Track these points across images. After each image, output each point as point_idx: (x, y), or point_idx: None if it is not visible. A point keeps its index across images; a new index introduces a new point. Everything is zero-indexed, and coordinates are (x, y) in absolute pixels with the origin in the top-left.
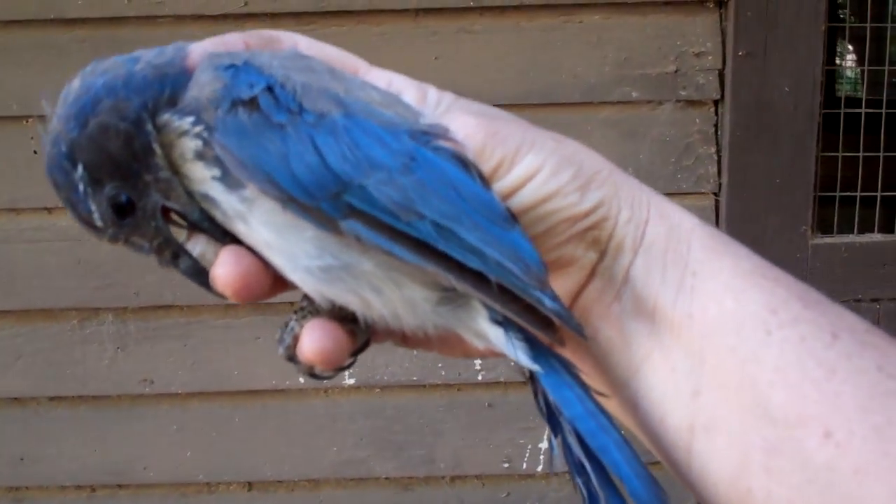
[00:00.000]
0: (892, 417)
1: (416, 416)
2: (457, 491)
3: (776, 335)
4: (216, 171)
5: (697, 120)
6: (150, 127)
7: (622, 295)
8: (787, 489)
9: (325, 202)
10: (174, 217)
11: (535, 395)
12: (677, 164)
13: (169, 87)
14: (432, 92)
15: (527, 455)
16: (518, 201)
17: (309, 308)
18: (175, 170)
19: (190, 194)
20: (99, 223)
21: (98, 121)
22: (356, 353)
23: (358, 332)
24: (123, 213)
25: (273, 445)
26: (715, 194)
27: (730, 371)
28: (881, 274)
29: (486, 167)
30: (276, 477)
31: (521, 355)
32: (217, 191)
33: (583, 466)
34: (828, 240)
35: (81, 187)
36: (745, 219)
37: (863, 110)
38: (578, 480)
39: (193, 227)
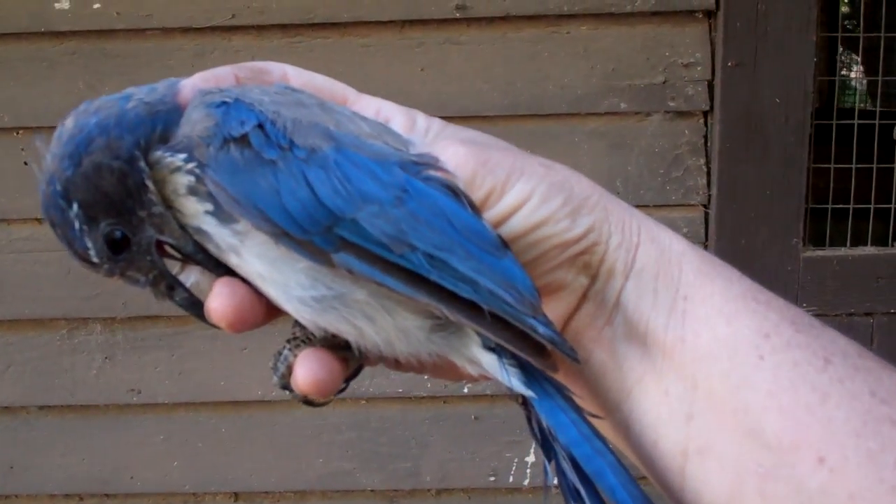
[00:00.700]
0: (885, 443)
1: (402, 429)
2: (442, 503)
3: (769, 360)
4: (209, 206)
5: (686, 131)
6: (143, 164)
7: (614, 319)
8: None
9: (318, 236)
10: (169, 250)
11: (529, 420)
12: (666, 176)
13: (161, 124)
14: (420, 118)
15: (513, 469)
16: (509, 228)
17: (302, 336)
18: (168, 205)
19: (183, 228)
20: (95, 259)
21: (92, 159)
22: (349, 378)
23: (351, 358)
24: (119, 249)
25: (259, 456)
26: (704, 206)
27: (723, 396)
28: (875, 288)
29: (476, 196)
30: (263, 488)
31: (514, 381)
32: (210, 225)
33: (578, 491)
34: (819, 253)
35: (77, 225)
36: (735, 231)
37: (855, 122)
38: None
39: (188, 260)
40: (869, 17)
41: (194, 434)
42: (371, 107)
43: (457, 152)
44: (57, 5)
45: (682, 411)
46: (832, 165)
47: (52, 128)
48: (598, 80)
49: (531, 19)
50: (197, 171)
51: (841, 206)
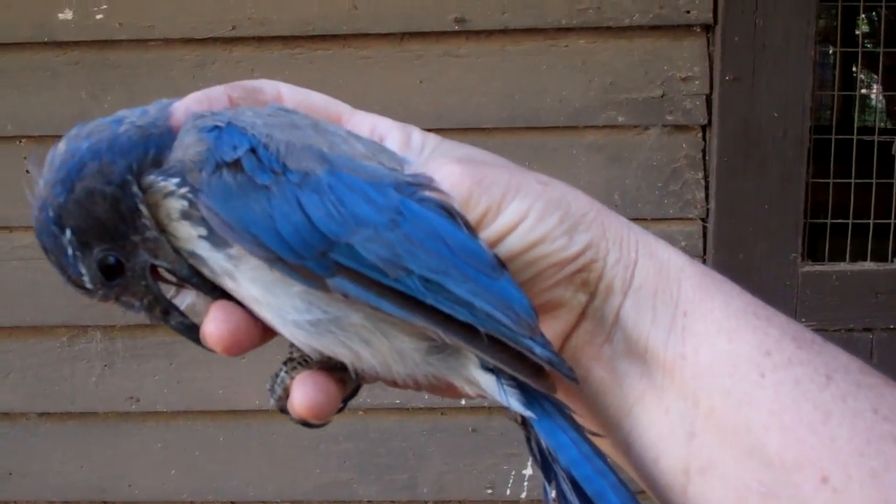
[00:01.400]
0: (889, 462)
1: (399, 440)
2: None
3: (770, 377)
4: (202, 230)
5: (684, 145)
6: (135, 188)
7: (613, 336)
8: None
9: (312, 261)
10: (163, 274)
11: (528, 441)
12: (664, 190)
13: (153, 147)
14: (416, 135)
15: (510, 481)
16: (506, 248)
17: (299, 358)
18: (162, 229)
19: (178, 252)
20: (89, 285)
21: (84, 185)
22: (347, 399)
23: (348, 379)
24: (113, 274)
25: (257, 466)
26: (702, 220)
27: (724, 414)
28: (874, 303)
29: (472, 215)
30: (260, 497)
31: (513, 401)
32: (204, 249)
33: None
34: (818, 267)
35: (70, 251)
36: (733, 245)
37: (854, 137)
38: None
39: (183, 283)
40: (889, 35)
41: (192, 442)
42: (366, 123)
43: (452, 171)
44: (60, 16)
45: (683, 429)
46: (831, 180)
47: (55, 137)
48: (597, 93)
49: (530, 32)
50: (190, 195)
51: (840, 220)
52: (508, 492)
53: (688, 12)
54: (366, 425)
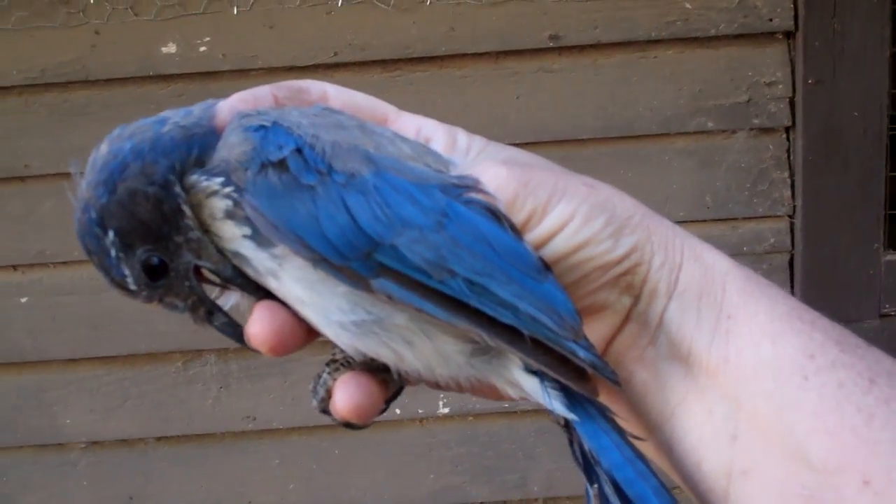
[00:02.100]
0: None
1: (508, 442)
2: None
3: (814, 381)
4: (246, 230)
5: (770, 146)
6: (178, 189)
7: (657, 339)
8: None
9: (357, 262)
10: (207, 274)
11: (571, 444)
12: (753, 190)
13: (197, 147)
14: (462, 137)
15: None
16: (551, 250)
17: (341, 360)
18: (205, 229)
19: (221, 252)
20: (133, 287)
21: (126, 186)
22: (389, 400)
23: (390, 380)
24: (156, 275)
25: (372, 475)
26: (790, 216)
27: (767, 417)
28: None
29: (517, 218)
30: None
31: (556, 404)
32: (248, 249)
33: None
34: None
35: (113, 252)
36: (820, 239)
37: None
38: None
39: (226, 284)
40: None
41: (308, 457)
42: (412, 125)
43: (498, 174)
44: (164, 49)
45: (726, 432)
46: None
47: None
48: (686, 101)
49: (620, 46)
50: (234, 195)
51: None
52: None
53: (770, 20)
54: (475, 430)
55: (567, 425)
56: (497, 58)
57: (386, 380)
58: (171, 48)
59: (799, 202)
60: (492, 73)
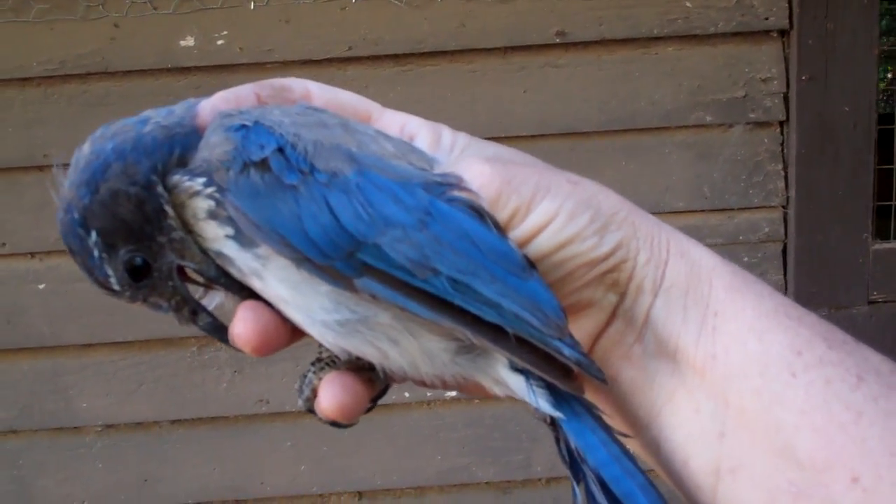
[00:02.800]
0: None
1: (513, 424)
2: (552, 492)
3: (801, 378)
4: (229, 230)
5: (766, 140)
6: (160, 189)
7: (644, 336)
8: None
9: (340, 261)
10: (191, 274)
11: (557, 441)
12: (748, 181)
13: (179, 147)
14: (446, 134)
15: None
16: (535, 248)
17: (327, 359)
18: (188, 229)
19: (204, 252)
20: (116, 287)
21: (108, 186)
22: (375, 399)
23: (376, 379)
24: (140, 276)
25: (381, 456)
26: (783, 207)
27: (755, 414)
28: None
29: (501, 215)
30: (385, 485)
31: (542, 402)
32: (231, 249)
33: None
34: (886, 245)
35: (97, 253)
36: (812, 228)
37: None
38: None
39: (211, 284)
40: None
41: (319, 439)
42: (396, 122)
43: (482, 171)
44: (182, 43)
45: (713, 429)
46: (895, 166)
47: None
48: (686, 95)
49: (624, 42)
50: (217, 195)
51: None
52: None
53: (766, 19)
54: (482, 413)
55: (553, 423)
56: (505, 53)
57: (371, 378)
58: (189, 41)
59: (792, 193)
60: (500, 67)
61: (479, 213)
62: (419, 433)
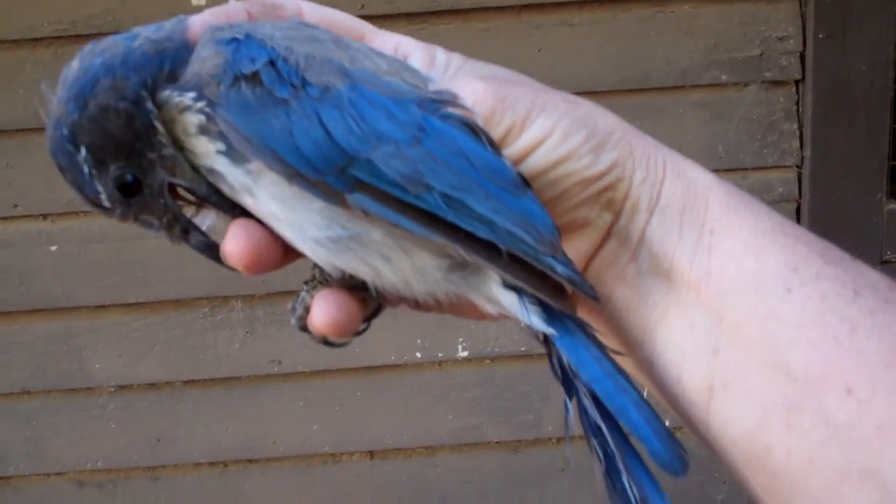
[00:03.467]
0: None
1: (524, 384)
2: (562, 451)
3: (797, 292)
4: (220, 146)
5: (781, 99)
6: (150, 104)
7: (638, 255)
8: (807, 446)
9: (332, 176)
10: (182, 193)
11: (550, 358)
12: (763, 141)
13: (168, 62)
14: (440, 54)
15: None
16: (530, 166)
17: (319, 278)
18: (179, 146)
19: (195, 169)
20: (107, 204)
21: (97, 102)
22: (369, 318)
23: (369, 298)
24: (130, 192)
25: (393, 416)
26: (798, 167)
27: (749, 329)
28: None
29: (496, 133)
30: (397, 445)
31: (534, 319)
32: (222, 165)
33: (599, 428)
34: None
35: (86, 169)
36: (826, 188)
37: None
38: (594, 442)
39: (202, 202)
40: None
41: (332, 399)
42: (390, 43)
43: (476, 88)
44: (194, 2)
45: (707, 345)
46: None
47: None
48: (701, 54)
49: (639, 0)
50: (207, 110)
51: None
52: None
53: None
54: (493, 373)
55: (546, 340)
56: (519, 12)
57: (365, 298)
58: (200, 0)
59: (807, 153)
60: (514, 26)
61: (473, 129)
62: (430, 393)
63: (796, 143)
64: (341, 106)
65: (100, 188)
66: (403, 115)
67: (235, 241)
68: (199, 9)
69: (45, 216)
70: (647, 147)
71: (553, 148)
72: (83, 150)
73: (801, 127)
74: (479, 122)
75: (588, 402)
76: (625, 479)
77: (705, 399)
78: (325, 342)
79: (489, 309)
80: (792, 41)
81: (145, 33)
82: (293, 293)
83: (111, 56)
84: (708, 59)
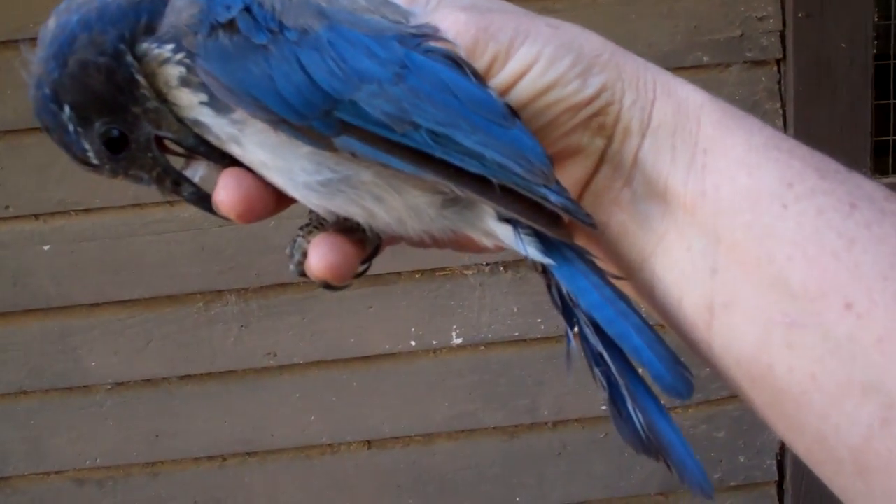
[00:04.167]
0: None
1: (518, 369)
2: (559, 434)
3: (793, 208)
4: (203, 97)
5: (763, 79)
6: (129, 58)
7: (633, 179)
8: (808, 362)
9: (317, 120)
10: (170, 145)
11: (549, 288)
12: None
13: (145, 15)
14: None
15: None
16: (517, 95)
17: (315, 222)
18: (163, 98)
19: (181, 121)
20: (95, 161)
21: (77, 58)
22: (368, 259)
23: (366, 239)
24: (117, 148)
25: (390, 405)
26: None
27: (747, 247)
28: None
29: (480, 64)
30: (395, 434)
31: (531, 250)
32: (207, 115)
33: (601, 356)
34: (885, 180)
35: (71, 127)
36: None
37: None
38: (597, 371)
39: (191, 154)
40: None
41: (328, 389)
42: None
43: (457, 20)
44: None
45: (705, 266)
46: (892, 101)
47: None
48: (683, 36)
49: None
50: (187, 61)
51: None
52: None
53: None
54: (487, 359)
55: (544, 271)
56: None
57: (362, 239)
58: None
59: (791, 131)
60: None
61: (456, 62)
62: (426, 381)
63: (780, 122)
64: (321, 48)
65: (87, 146)
66: (384, 52)
67: (227, 191)
68: None
69: (36, 216)
70: (636, 68)
71: (539, 75)
72: (67, 109)
73: (783, 106)
74: (462, 54)
75: (589, 331)
76: (630, 405)
77: (706, 320)
78: (326, 286)
79: (486, 242)
80: (772, 21)
81: None
82: (285, 285)
83: (87, 11)
84: (689, 41)
